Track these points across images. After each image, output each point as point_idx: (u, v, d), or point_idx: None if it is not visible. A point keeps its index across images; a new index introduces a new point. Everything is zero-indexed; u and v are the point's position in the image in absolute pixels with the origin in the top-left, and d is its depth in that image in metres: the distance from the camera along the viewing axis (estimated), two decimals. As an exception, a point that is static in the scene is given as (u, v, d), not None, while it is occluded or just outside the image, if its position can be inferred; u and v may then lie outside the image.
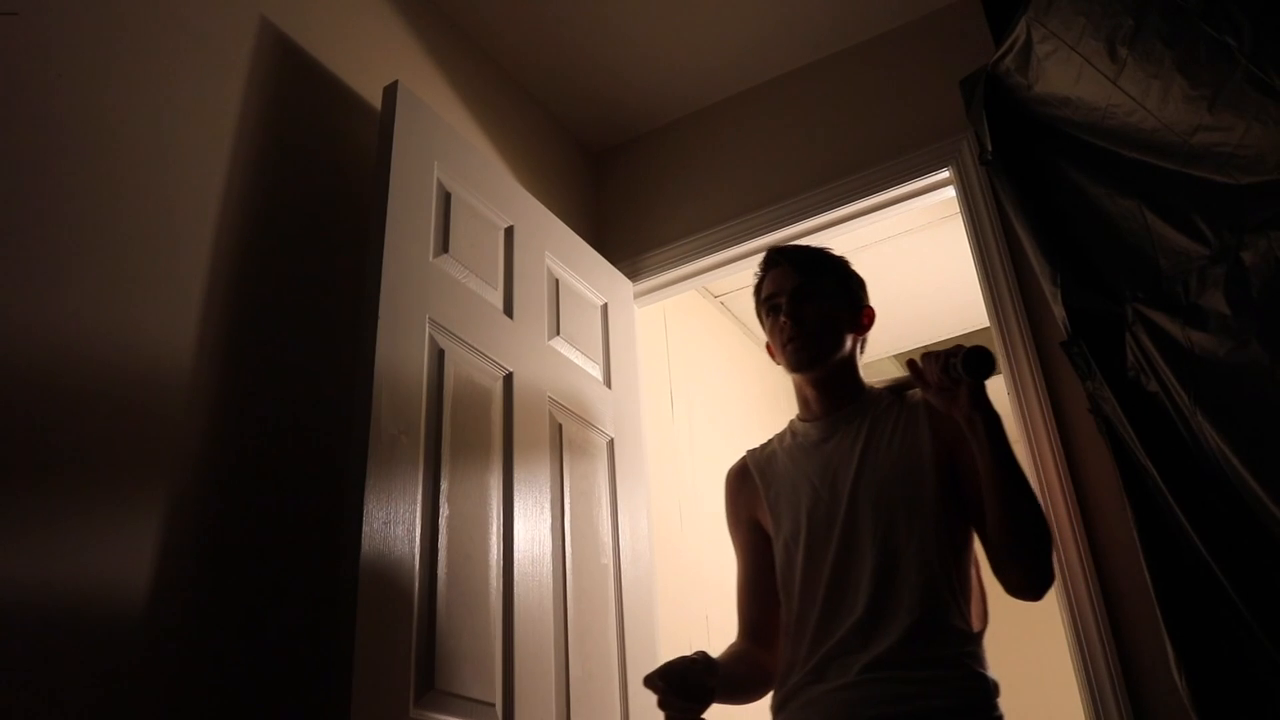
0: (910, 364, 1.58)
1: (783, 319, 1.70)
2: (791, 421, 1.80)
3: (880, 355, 4.06)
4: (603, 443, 2.32)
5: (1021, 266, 2.26)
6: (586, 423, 2.27)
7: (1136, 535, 1.83)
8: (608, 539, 2.21)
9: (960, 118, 2.45)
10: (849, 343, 1.74)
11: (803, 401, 1.77)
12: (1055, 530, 2.01)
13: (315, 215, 1.97)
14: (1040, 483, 2.07)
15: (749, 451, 1.84)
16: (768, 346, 1.80)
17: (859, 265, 3.80)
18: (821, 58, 2.85)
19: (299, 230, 1.92)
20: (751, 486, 1.76)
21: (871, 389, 1.75)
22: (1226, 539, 1.68)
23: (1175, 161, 1.73)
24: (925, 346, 4.07)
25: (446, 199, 2.04)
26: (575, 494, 2.14)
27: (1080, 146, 2.00)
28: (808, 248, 1.83)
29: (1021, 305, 2.24)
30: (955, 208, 2.54)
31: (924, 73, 2.62)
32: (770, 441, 1.82)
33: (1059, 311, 2.05)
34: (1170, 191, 1.77)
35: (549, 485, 2.06)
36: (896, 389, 1.70)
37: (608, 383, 2.42)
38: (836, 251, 1.85)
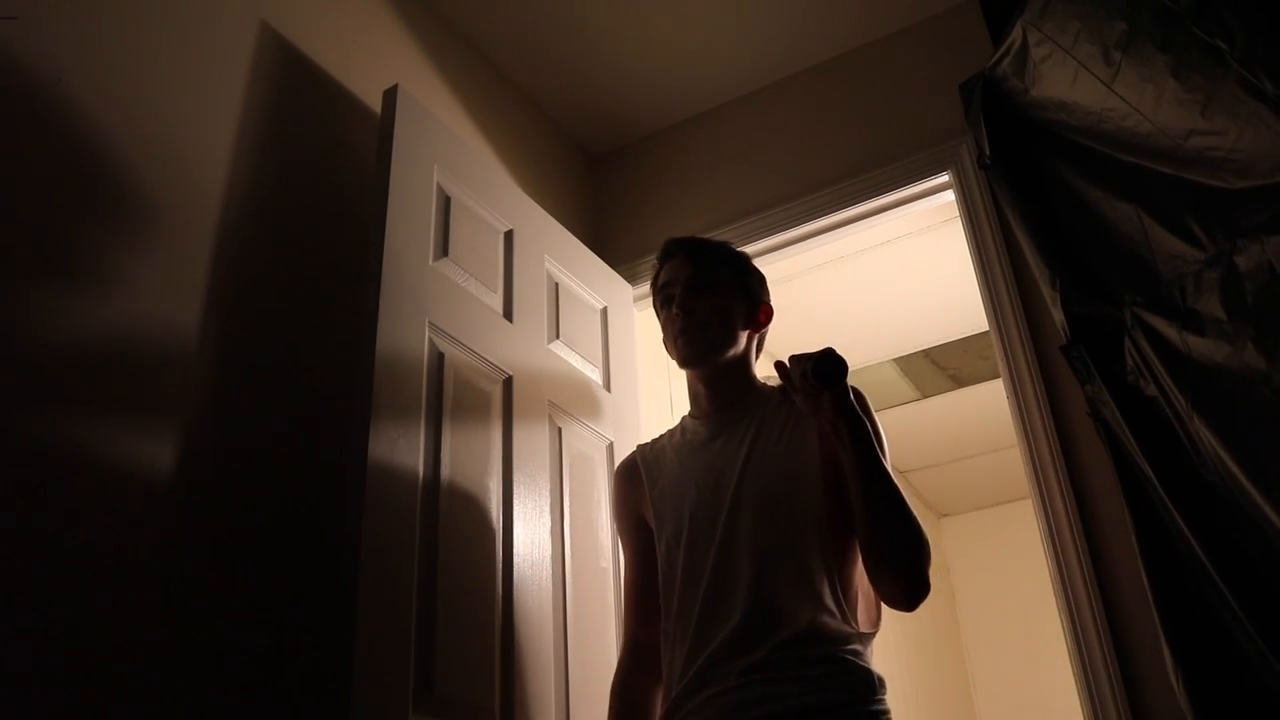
0: (778, 366, 1.53)
1: (674, 310, 1.65)
2: (683, 418, 1.75)
3: (880, 359, 4.06)
4: (602, 446, 2.33)
5: (1021, 270, 2.26)
6: (586, 426, 2.28)
7: (1135, 540, 1.83)
8: (607, 542, 2.21)
9: (959, 122, 2.46)
10: (743, 339, 1.68)
11: (693, 398, 1.72)
12: (1058, 528, 2.01)
13: (315, 218, 1.98)
14: (1040, 487, 2.07)
15: (639, 446, 1.79)
16: (664, 342, 1.74)
17: (859, 269, 3.79)
18: (820, 62, 2.85)
19: (299, 233, 1.93)
20: (639, 483, 1.71)
21: (764, 387, 1.69)
22: (1225, 544, 1.68)
23: (1170, 165, 1.74)
24: (924, 350, 4.08)
25: (446, 202, 2.04)
26: (575, 497, 2.15)
27: (1077, 150, 2.01)
28: (707, 240, 1.78)
29: (1021, 309, 2.24)
30: (954, 211, 2.54)
31: (923, 77, 2.63)
32: (661, 437, 1.77)
33: (1058, 316, 2.05)
34: (1166, 195, 1.77)
35: (548, 488, 2.07)
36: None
37: (607, 386, 2.43)
38: (737, 247, 1.81)
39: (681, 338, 1.65)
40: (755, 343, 1.73)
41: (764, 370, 1.73)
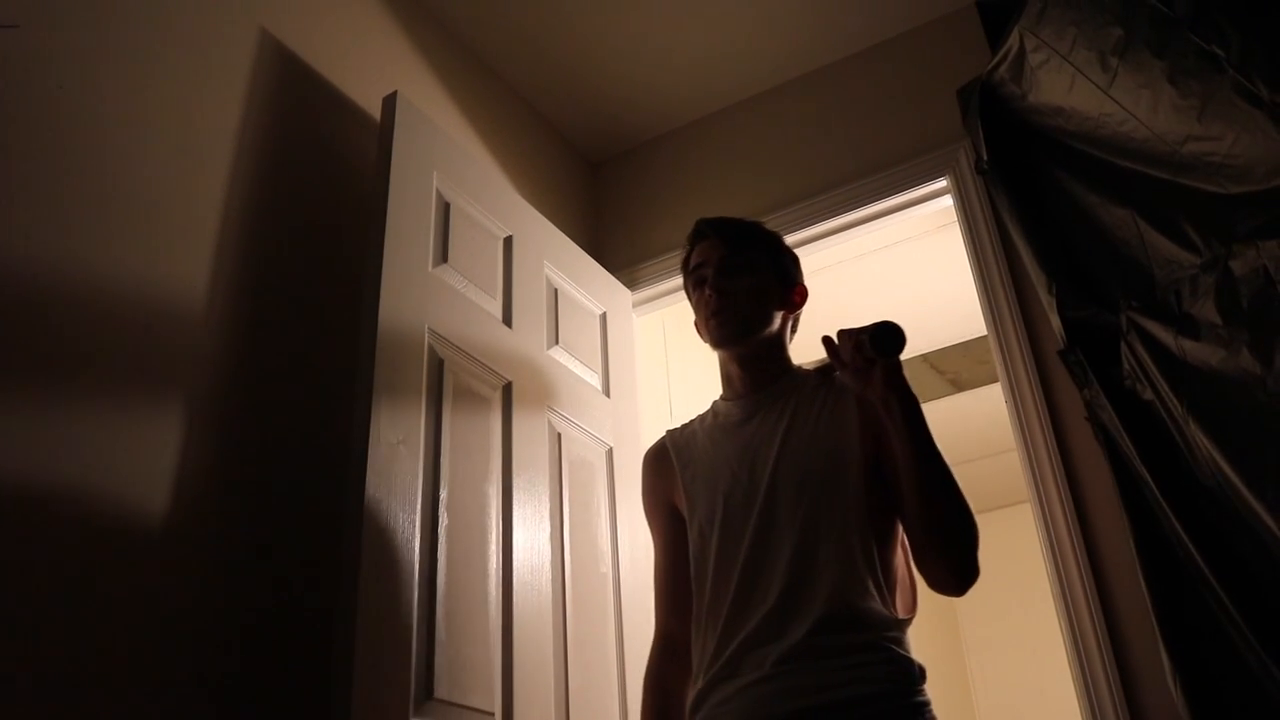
0: (825, 341, 1.47)
1: (708, 291, 1.60)
2: (714, 401, 1.70)
3: (879, 363, 4.06)
4: (602, 451, 2.33)
5: (1019, 275, 2.27)
6: (586, 431, 2.28)
7: (1133, 543, 1.84)
8: (606, 547, 2.22)
9: (957, 127, 2.47)
10: (777, 320, 1.63)
11: (726, 380, 1.68)
12: (1056, 532, 2.02)
13: (315, 224, 1.98)
14: (1038, 491, 2.08)
15: (668, 431, 1.74)
16: (696, 324, 1.69)
17: (858, 273, 3.78)
18: (819, 67, 2.86)
19: (298, 239, 1.93)
20: (669, 468, 1.66)
21: (800, 369, 1.65)
22: (1221, 547, 1.69)
23: (1166, 171, 1.75)
24: (923, 355, 4.08)
25: (445, 209, 2.05)
26: (574, 503, 2.15)
27: (1074, 156, 2.02)
28: (739, 220, 1.72)
29: (1019, 313, 2.25)
30: (953, 216, 2.55)
31: (921, 82, 2.64)
32: (692, 421, 1.72)
33: (1055, 320, 2.06)
34: (1162, 200, 1.78)
35: (548, 494, 2.07)
36: (826, 370, 1.60)
37: (606, 392, 2.43)
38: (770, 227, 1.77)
39: (715, 319, 1.60)
40: (790, 324, 1.69)
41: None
